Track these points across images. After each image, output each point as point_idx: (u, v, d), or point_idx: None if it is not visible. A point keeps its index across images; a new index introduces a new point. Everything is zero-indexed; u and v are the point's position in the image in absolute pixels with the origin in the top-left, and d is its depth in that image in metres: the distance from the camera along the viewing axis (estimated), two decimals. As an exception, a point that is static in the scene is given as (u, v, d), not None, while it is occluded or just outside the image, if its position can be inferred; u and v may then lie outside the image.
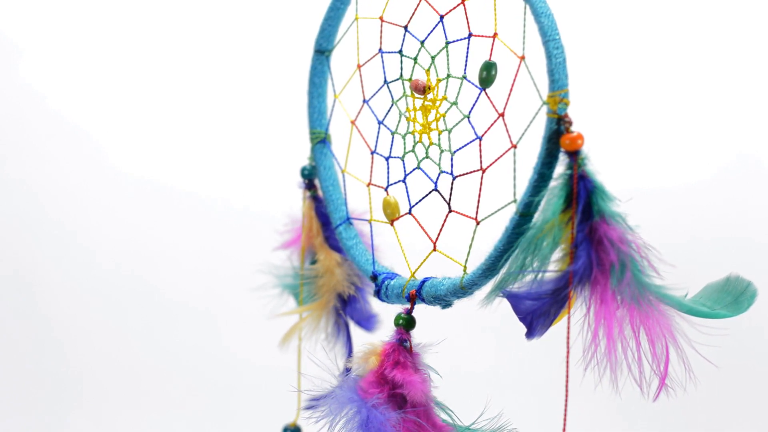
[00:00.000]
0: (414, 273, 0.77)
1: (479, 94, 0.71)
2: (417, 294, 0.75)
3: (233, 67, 1.50)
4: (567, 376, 0.63)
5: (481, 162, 0.72)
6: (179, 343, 1.45)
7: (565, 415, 0.64)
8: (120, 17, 1.51)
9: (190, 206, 1.49)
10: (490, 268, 0.69)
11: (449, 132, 0.74)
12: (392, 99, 0.79)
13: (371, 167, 0.81)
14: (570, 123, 0.63)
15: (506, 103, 0.69)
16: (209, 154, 1.50)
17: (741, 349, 1.27)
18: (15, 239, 1.48)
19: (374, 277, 0.81)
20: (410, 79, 0.77)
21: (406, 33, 0.77)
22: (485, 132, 0.71)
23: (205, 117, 1.50)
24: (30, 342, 1.46)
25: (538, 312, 0.66)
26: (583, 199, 0.62)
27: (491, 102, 0.70)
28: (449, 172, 0.74)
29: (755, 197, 1.36)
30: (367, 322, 0.92)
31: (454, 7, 0.73)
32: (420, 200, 0.77)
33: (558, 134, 0.63)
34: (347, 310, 0.91)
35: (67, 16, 1.50)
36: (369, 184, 0.82)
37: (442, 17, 0.74)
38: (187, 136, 1.50)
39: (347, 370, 0.89)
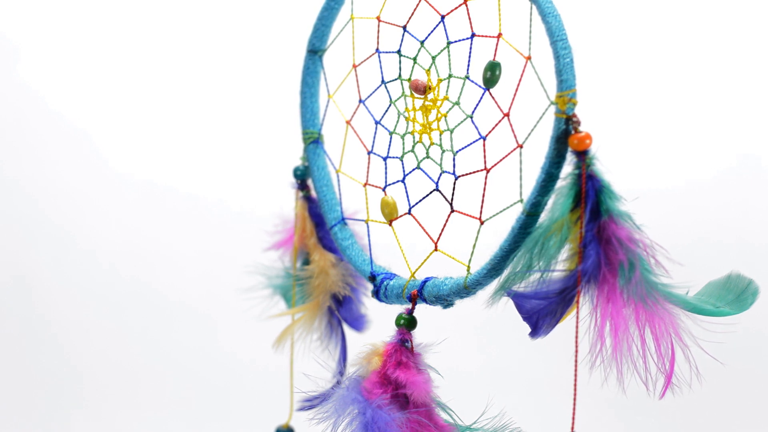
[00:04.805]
0: (414, 273, 0.77)
1: (483, 94, 0.71)
2: (418, 294, 0.75)
3: (227, 67, 1.50)
4: (576, 375, 0.63)
5: (485, 162, 0.72)
6: (177, 343, 1.45)
7: (574, 413, 0.65)
8: (116, 18, 1.50)
9: (186, 207, 1.48)
10: (495, 268, 0.69)
11: (451, 132, 0.74)
12: (390, 99, 0.79)
13: (368, 167, 0.81)
14: (578, 123, 0.63)
15: (511, 103, 0.69)
16: (203, 155, 1.50)
17: (747, 346, 1.28)
18: (13, 241, 1.47)
19: (373, 278, 0.80)
20: (409, 79, 0.77)
21: (405, 33, 0.77)
22: (489, 132, 0.71)
23: (198, 117, 1.50)
24: (29, 343, 1.45)
25: (544, 311, 0.66)
26: (592, 198, 0.62)
27: (496, 102, 0.70)
28: (451, 172, 0.74)
29: (757, 198, 1.37)
30: (357, 322, 0.92)
31: (456, 7, 0.73)
32: (420, 200, 0.77)
33: (566, 134, 0.63)
34: (341, 310, 0.91)
35: (65, 16, 1.49)
36: (365, 185, 0.82)
37: (443, 17, 0.74)
38: (181, 136, 1.50)
39: (342, 372, 0.90)
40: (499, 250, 0.68)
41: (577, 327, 0.63)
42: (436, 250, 0.76)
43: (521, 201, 0.67)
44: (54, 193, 1.48)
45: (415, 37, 0.76)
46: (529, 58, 0.67)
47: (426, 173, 0.77)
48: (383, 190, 0.80)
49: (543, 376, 1.35)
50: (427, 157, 0.76)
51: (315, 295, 0.90)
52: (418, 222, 0.77)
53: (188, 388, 1.43)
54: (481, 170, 0.72)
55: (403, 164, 0.78)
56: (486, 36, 0.71)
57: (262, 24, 1.48)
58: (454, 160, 0.74)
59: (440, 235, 0.76)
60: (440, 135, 0.75)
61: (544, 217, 0.65)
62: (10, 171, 1.48)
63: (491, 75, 0.70)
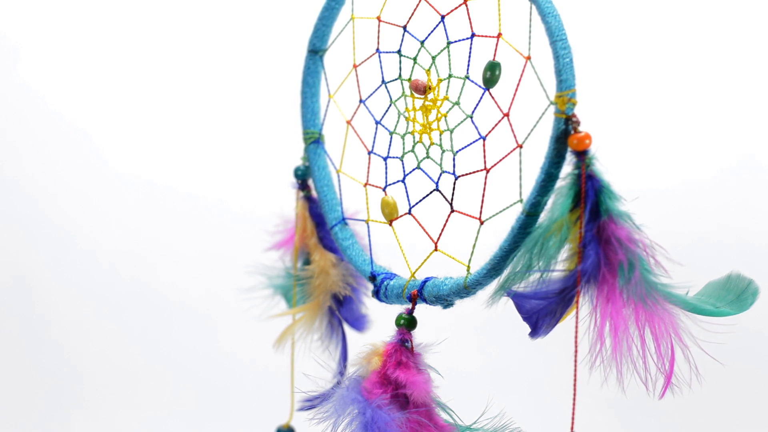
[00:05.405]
0: (414, 273, 0.77)
1: (482, 94, 0.71)
2: (418, 294, 0.75)
3: (227, 67, 1.50)
4: (575, 375, 0.63)
5: (485, 162, 0.72)
6: (177, 343, 1.45)
7: (573, 413, 0.65)
8: (117, 18, 1.50)
9: (186, 207, 1.48)
10: (495, 268, 0.69)
11: (451, 132, 0.74)
12: (390, 99, 0.79)
13: (368, 167, 0.81)
14: (578, 123, 0.63)
15: (511, 103, 0.69)
16: (204, 155, 1.50)
17: (747, 346, 1.28)
18: (13, 241, 1.47)
19: (373, 278, 0.80)
20: (409, 79, 0.77)
21: (405, 33, 0.77)
22: (489, 132, 0.71)
23: (199, 117, 1.50)
24: (29, 343, 1.45)
25: (544, 311, 0.66)
26: (591, 198, 0.62)
27: (495, 102, 0.70)
28: (451, 172, 0.74)
29: (757, 198, 1.37)
30: (358, 322, 0.92)
31: (456, 7, 0.73)
32: (420, 200, 0.77)
33: (566, 134, 0.63)
34: (341, 310, 0.91)
35: (65, 16, 1.49)
36: (366, 185, 0.82)
37: (443, 17, 0.74)
38: (182, 136, 1.50)
39: (342, 372, 0.90)
40: (498, 250, 0.68)
41: (576, 327, 0.63)
42: (436, 250, 0.76)
43: (521, 201, 0.67)
44: (54, 193, 1.48)
45: (415, 37, 0.76)
46: (528, 58, 0.67)
47: (426, 173, 0.77)
48: (383, 190, 0.80)
49: (543, 376, 1.35)
50: (427, 157, 0.76)
51: (315, 295, 0.90)
52: (418, 222, 0.77)
53: (188, 388, 1.43)
54: (481, 170, 0.72)
55: (403, 164, 0.78)
56: (486, 36, 0.71)
57: (262, 24, 1.48)
58: (454, 160, 0.74)
59: (440, 235, 0.76)
60: (440, 135, 0.75)
61: (543, 217, 0.65)
62: (10, 171, 1.48)
63: (491, 75, 0.70)
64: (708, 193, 1.38)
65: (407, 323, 0.74)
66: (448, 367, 0.74)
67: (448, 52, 0.74)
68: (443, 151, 0.75)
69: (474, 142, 0.72)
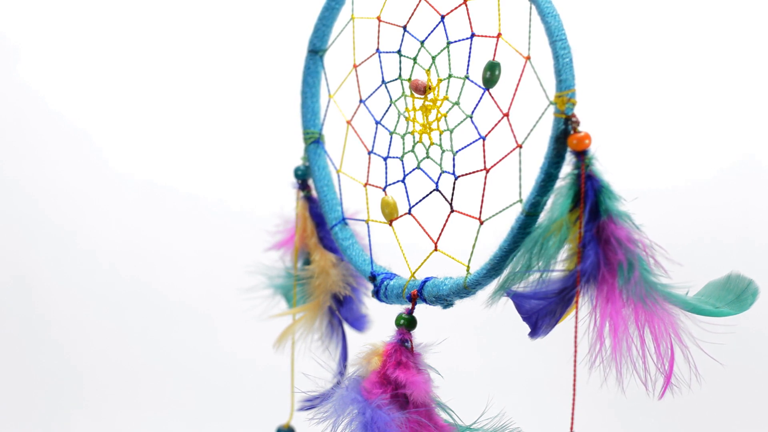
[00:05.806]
0: (414, 273, 0.77)
1: (482, 94, 0.71)
2: (418, 294, 0.75)
3: (227, 67, 1.50)
4: (575, 375, 0.63)
5: (484, 162, 0.72)
6: (177, 343, 1.45)
7: (573, 413, 0.65)
8: (117, 18, 1.50)
9: (186, 207, 1.49)
10: (494, 268, 0.69)
11: (451, 132, 0.74)
12: (390, 99, 0.79)
13: (368, 167, 0.81)
14: (577, 123, 0.63)
15: (511, 103, 0.69)
16: (204, 155, 1.50)
17: (747, 347, 1.28)
18: (13, 241, 1.47)
19: (373, 278, 0.81)
20: (410, 79, 0.77)
21: (405, 33, 0.77)
22: (489, 132, 0.71)
23: (199, 117, 1.50)
24: (29, 343, 1.45)
25: (543, 311, 0.66)
26: (591, 198, 0.62)
27: (495, 102, 0.70)
28: (451, 172, 0.74)
29: (757, 198, 1.37)
30: (358, 322, 0.92)
31: (456, 7, 0.73)
32: (420, 200, 0.77)
33: (566, 134, 0.63)
34: (341, 310, 0.91)
35: (65, 16, 1.49)
36: (366, 184, 0.82)
37: (443, 17, 0.74)
38: (182, 136, 1.50)
39: (342, 372, 0.90)
40: (498, 250, 0.68)
41: (576, 327, 0.63)
42: (436, 250, 0.76)
43: (520, 201, 0.67)
44: (54, 193, 1.48)
45: (415, 37, 0.76)
46: (528, 58, 0.67)
47: (426, 173, 0.77)
48: (383, 190, 0.80)
49: (543, 376, 1.35)
50: (427, 157, 0.76)
51: (316, 295, 0.90)
52: (418, 222, 0.77)
53: (188, 388, 1.43)
54: (481, 170, 0.72)
55: (403, 164, 0.78)
56: (486, 36, 0.71)
57: (262, 24, 1.48)
58: (453, 160, 0.74)
59: (440, 235, 0.76)
60: (440, 135, 0.75)
61: (543, 217, 0.65)
62: (10, 171, 1.48)
63: (491, 75, 0.70)
64: (708, 193, 1.38)
65: (407, 323, 0.74)
66: (448, 367, 0.74)
67: (448, 52, 0.74)
68: (443, 151, 0.75)
69: (474, 142, 0.72)
